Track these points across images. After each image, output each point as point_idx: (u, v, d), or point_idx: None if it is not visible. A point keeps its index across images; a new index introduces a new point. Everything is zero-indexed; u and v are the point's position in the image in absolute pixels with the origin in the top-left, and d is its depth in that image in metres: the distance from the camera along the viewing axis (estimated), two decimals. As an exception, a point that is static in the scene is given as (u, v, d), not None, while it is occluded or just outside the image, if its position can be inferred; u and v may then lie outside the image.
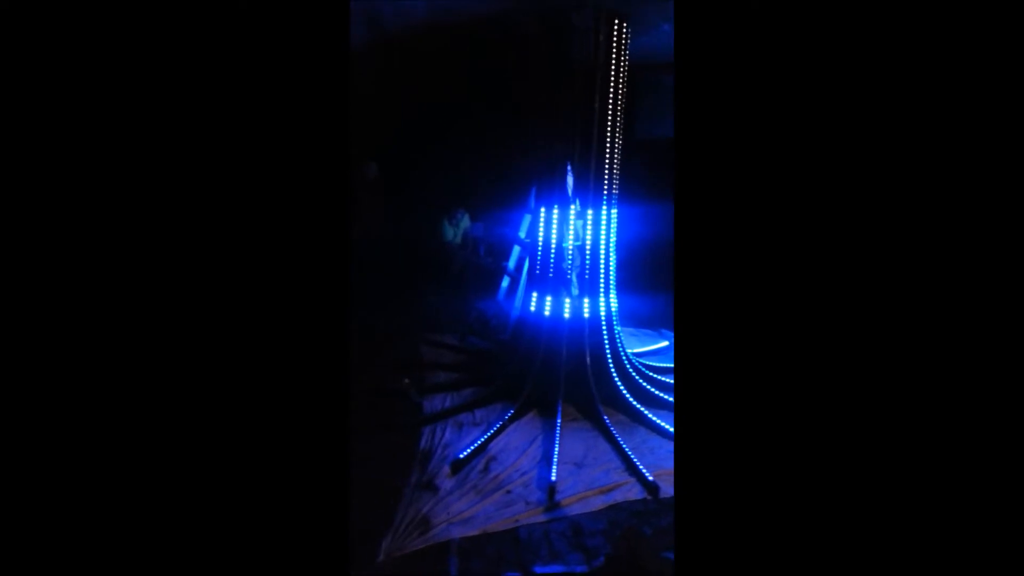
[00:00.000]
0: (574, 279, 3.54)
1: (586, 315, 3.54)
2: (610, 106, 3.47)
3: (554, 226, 3.56)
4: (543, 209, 3.61)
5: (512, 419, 3.25)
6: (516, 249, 4.69)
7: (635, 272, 4.69)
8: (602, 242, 3.58)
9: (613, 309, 3.68)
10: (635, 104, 3.72)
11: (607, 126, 3.49)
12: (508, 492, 2.63)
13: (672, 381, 3.85)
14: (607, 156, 3.52)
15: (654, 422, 3.25)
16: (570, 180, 3.47)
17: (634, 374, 3.64)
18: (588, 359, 3.49)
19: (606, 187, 3.55)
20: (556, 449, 2.90)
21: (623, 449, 2.93)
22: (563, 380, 3.43)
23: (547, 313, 3.57)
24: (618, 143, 3.55)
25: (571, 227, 3.50)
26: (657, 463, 2.87)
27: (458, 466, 2.80)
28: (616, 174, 3.58)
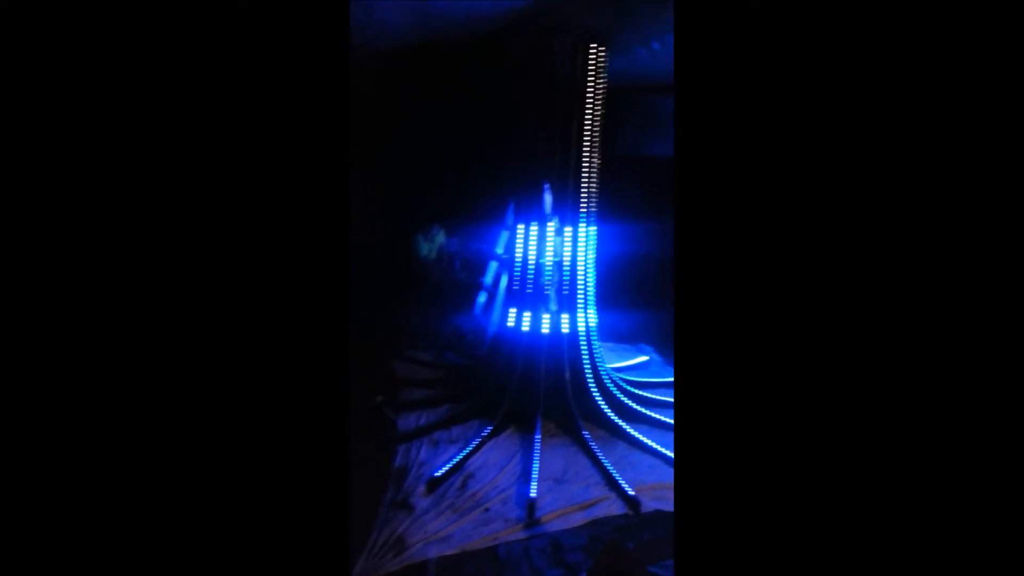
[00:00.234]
0: (552, 295, 3.53)
1: (565, 330, 3.52)
2: (588, 126, 3.53)
3: (532, 242, 3.56)
4: (522, 225, 3.62)
5: (490, 436, 3.18)
6: (493, 264, 4.67)
7: (614, 288, 4.72)
8: (581, 258, 3.59)
9: (592, 324, 3.67)
10: (613, 124, 3.79)
11: (585, 145, 3.54)
12: (486, 510, 2.55)
13: (652, 396, 3.86)
14: (585, 173, 3.56)
15: (634, 437, 3.23)
16: (548, 197, 3.50)
17: (614, 389, 3.62)
18: (567, 374, 3.47)
19: (584, 204, 3.58)
20: (535, 465, 2.85)
21: (603, 464, 2.90)
22: (542, 395, 3.39)
23: (525, 328, 3.54)
24: (596, 162, 3.60)
25: (550, 243, 3.51)
26: (638, 478, 2.84)
27: (434, 484, 2.71)
28: (594, 192, 3.63)
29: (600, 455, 2.97)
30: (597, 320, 3.75)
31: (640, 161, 5.49)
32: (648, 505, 2.59)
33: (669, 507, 2.61)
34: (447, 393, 3.80)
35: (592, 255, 3.68)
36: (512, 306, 3.67)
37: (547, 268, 3.52)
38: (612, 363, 4.22)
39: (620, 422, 3.34)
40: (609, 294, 3.91)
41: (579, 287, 3.61)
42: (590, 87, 3.50)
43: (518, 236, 3.64)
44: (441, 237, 5.79)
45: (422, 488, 2.68)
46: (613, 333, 4.93)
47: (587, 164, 3.56)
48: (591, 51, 3.47)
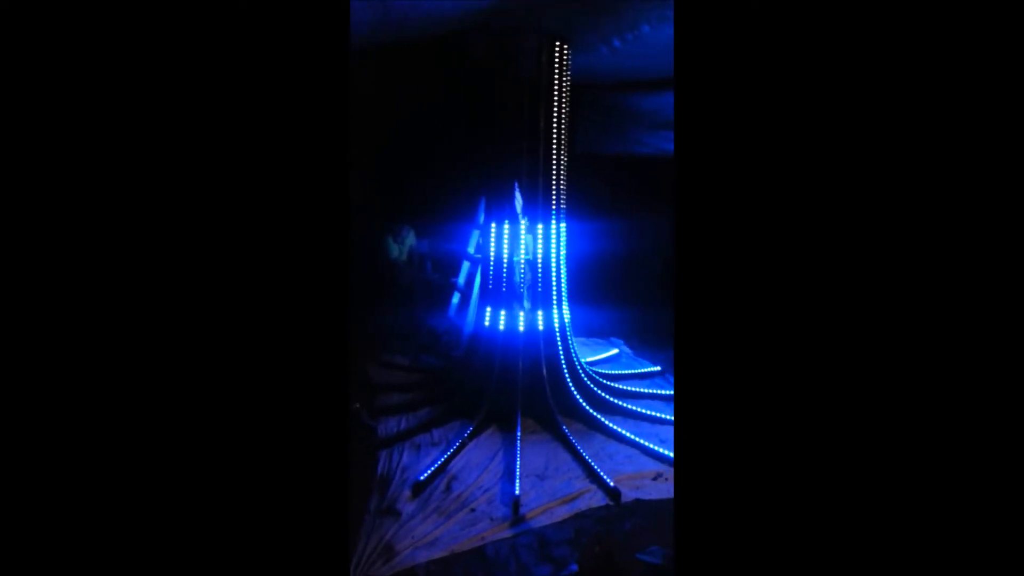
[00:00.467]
0: (526, 292, 3.58)
1: (540, 327, 3.58)
2: (555, 123, 3.58)
3: (505, 241, 3.59)
4: (493, 224, 3.65)
5: (471, 436, 3.21)
6: (466, 265, 4.68)
7: (582, 284, 4.81)
8: (553, 256, 3.65)
9: (566, 320, 3.74)
10: (576, 121, 3.84)
11: (553, 143, 3.59)
12: (472, 510, 2.59)
13: (625, 387, 3.97)
14: (554, 172, 3.62)
15: (611, 428, 3.32)
16: (518, 196, 3.53)
17: (589, 383, 3.71)
18: (544, 371, 3.53)
19: (554, 202, 3.64)
20: (518, 463, 2.90)
21: (583, 457, 2.97)
22: (521, 393, 3.44)
23: (501, 327, 3.58)
24: (564, 159, 3.66)
25: (522, 241, 3.55)
26: (616, 468, 2.93)
27: (419, 488, 2.73)
28: (563, 189, 3.68)
29: (580, 448, 3.05)
30: (570, 316, 3.82)
31: (599, 159, 5.59)
32: (628, 495, 2.69)
33: (648, 496, 2.71)
34: (425, 396, 3.81)
35: (564, 252, 3.75)
36: (488, 305, 3.70)
37: (520, 266, 3.57)
38: (585, 357, 4.31)
39: (597, 415, 3.43)
40: (577, 290, 3.99)
41: (552, 284, 3.67)
42: (555, 85, 3.55)
43: (491, 235, 3.67)
44: (411, 238, 5.75)
45: (407, 493, 2.69)
46: (584, 328, 5.03)
47: (555, 162, 3.61)
48: (555, 49, 3.51)
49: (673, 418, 3.49)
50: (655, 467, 2.98)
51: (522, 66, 3.52)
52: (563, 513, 2.57)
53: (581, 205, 4.29)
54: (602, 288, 5.59)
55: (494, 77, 3.60)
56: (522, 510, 2.55)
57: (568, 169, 3.74)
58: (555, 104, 3.56)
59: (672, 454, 3.03)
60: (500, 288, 3.63)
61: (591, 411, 3.45)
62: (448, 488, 2.76)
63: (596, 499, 2.67)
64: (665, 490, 2.76)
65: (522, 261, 3.57)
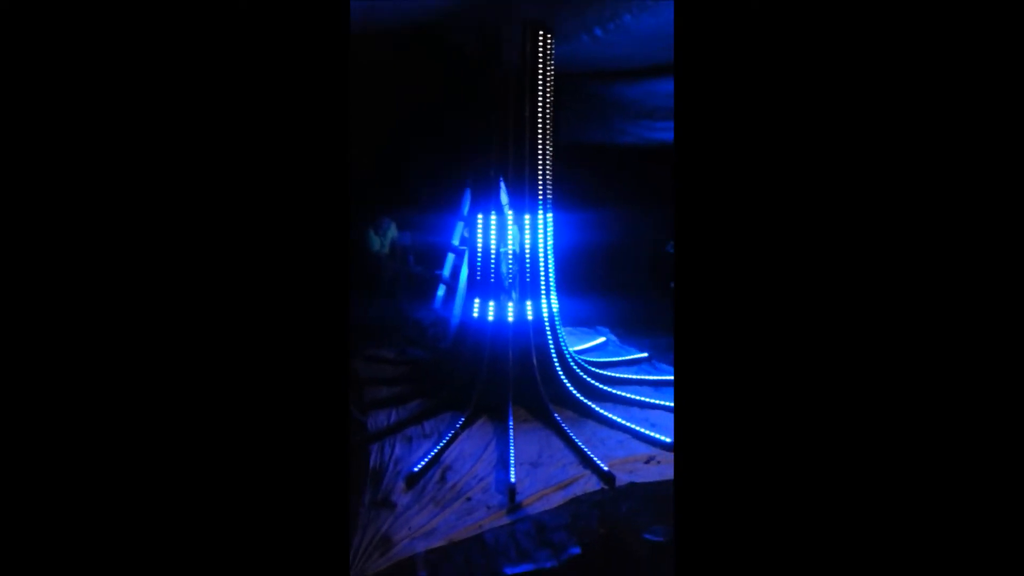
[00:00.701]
0: (515, 283, 3.57)
1: (529, 317, 3.58)
2: (540, 112, 3.57)
3: (493, 232, 3.58)
4: (480, 215, 3.62)
5: (464, 427, 3.21)
6: (450, 257, 4.65)
7: (566, 273, 4.83)
8: (540, 245, 3.65)
9: (555, 310, 3.75)
10: (558, 110, 3.84)
11: (538, 132, 3.58)
12: (468, 499, 2.59)
13: (613, 374, 4.01)
14: (540, 161, 3.61)
15: (601, 414, 3.35)
16: (503, 186, 3.52)
17: (579, 371, 3.73)
18: (535, 360, 3.53)
19: (540, 192, 3.63)
20: (512, 451, 2.90)
21: (576, 444, 2.99)
22: (512, 383, 3.44)
23: (491, 318, 3.57)
24: (549, 148, 3.65)
25: (509, 232, 3.54)
26: (608, 453, 2.96)
27: (413, 480, 2.71)
28: (549, 179, 3.68)
29: (572, 435, 3.07)
30: (558, 305, 3.83)
31: (581, 148, 5.61)
32: (622, 479, 2.72)
33: (642, 479, 2.74)
34: (414, 389, 3.78)
35: (551, 242, 3.75)
36: (476, 296, 3.69)
37: (509, 257, 3.56)
38: (573, 346, 4.33)
39: (587, 402, 3.46)
40: (562, 280, 4.01)
41: (540, 274, 3.67)
42: (540, 74, 3.54)
43: (478, 226, 3.64)
44: (393, 231, 5.69)
45: (401, 485, 2.67)
46: (570, 317, 5.06)
47: (541, 152, 3.61)
48: (539, 38, 3.50)
49: (662, 403, 3.54)
50: (647, 451, 3.02)
51: (505, 55, 3.50)
52: (559, 499, 2.58)
53: (565, 195, 4.30)
54: (586, 278, 5.62)
55: (478, 66, 3.57)
56: (518, 497, 2.56)
57: (553, 159, 3.74)
58: (540, 93, 3.55)
59: (663, 437, 3.07)
60: (488, 279, 3.62)
61: (582, 399, 3.48)
62: (443, 478, 2.75)
63: (591, 484, 2.69)
64: (658, 473, 2.79)
65: (510, 252, 3.56)
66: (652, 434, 3.13)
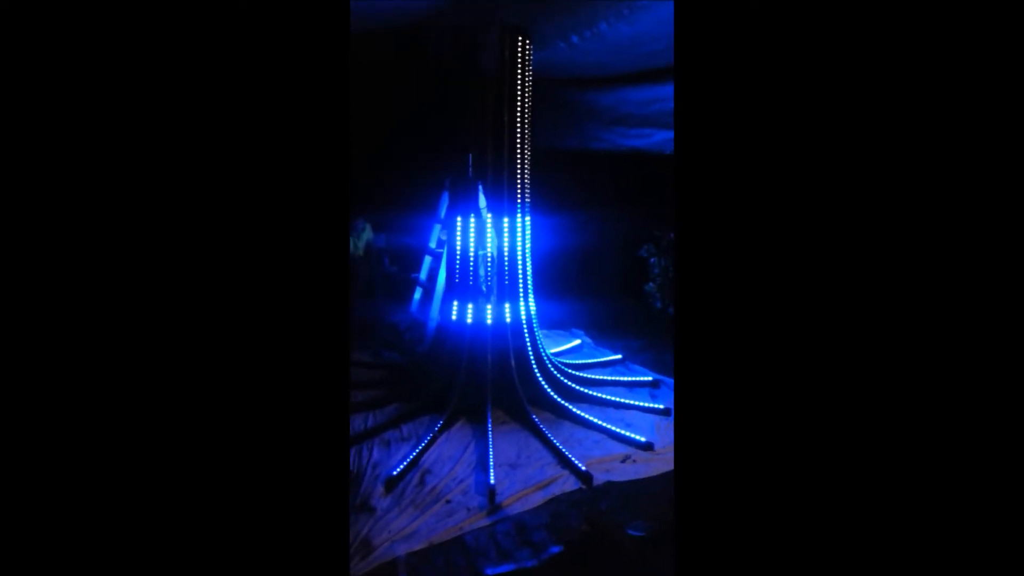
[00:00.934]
0: (494, 286, 3.60)
1: (508, 320, 3.61)
2: (518, 117, 3.61)
3: (471, 234, 3.60)
4: (458, 218, 3.64)
5: (442, 429, 3.21)
6: (427, 259, 4.64)
7: (543, 276, 4.89)
8: (519, 249, 3.68)
9: (532, 312, 3.79)
10: (535, 115, 3.90)
11: (516, 136, 3.62)
12: (448, 502, 2.59)
13: (590, 376, 4.07)
14: (518, 165, 3.65)
15: (579, 415, 3.40)
16: (481, 189, 3.54)
17: (556, 373, 3.78)
18: (513, 362, 3.56)
19: (518, 195, 3.67)
20: (491, 453, 2.92)
21: (554, 444, 3.04)
22: (490, 385, 3.46)
23: (469, 321, 3.58)
24: (527, 153, 3.70)
25: (487, 235, 3.57)
26: (586, 453, 3.01)
27: (392, 483, 2.70)
28: (527, 183, 3.72)
29: (550, 436, 3.11)
30: (536, 308, 3.88)
31: (555, 154, 5.69)
32: (599, 478, 2.77)
33: (619, 477, 2.80)
34: (391, 392, 3.76)
35: (529, 245, 3.79)
36: (454, 299, 3.70)
37: (488, 260, 3.58)
38: (550, 348, 4.38)
39: (565, 403, 3.51)
40: (538, 283, 4.06)
41: (518, 277, 3.71)
42: (518, 79, 3.58)
43: (456, 229, 3.66)
44: (368, 233, 5.63)
45: (380, 488, 2.66)
46: (546, 320, 5.12)
47: (519, 156, 3.65)
48: (518, 43, 3.54)
49: (636, 403, 3.62)
50: (623, 450, 3.08)
51: (483, 60, 3.53)
52: (538, 499, 2.62)
53: (541, 199, 4.36)
54: (562, 280, 5.69)
55: (456, 70, 3.59)
56: (498, 498, 2.58)
57: (530, 163, 3.79)
58: (518, 97, 3.59)
59: (639, 437, 3.15)
60: (466, 282, 3.63)
61: (559, 400, 3.53)
62: (422, 481, 2.75)
63: (569, 484, 2.74)
64: (634, 471, 2.86)
65: (488, 255, 3.59)
66: (628, 434, 3.20)
